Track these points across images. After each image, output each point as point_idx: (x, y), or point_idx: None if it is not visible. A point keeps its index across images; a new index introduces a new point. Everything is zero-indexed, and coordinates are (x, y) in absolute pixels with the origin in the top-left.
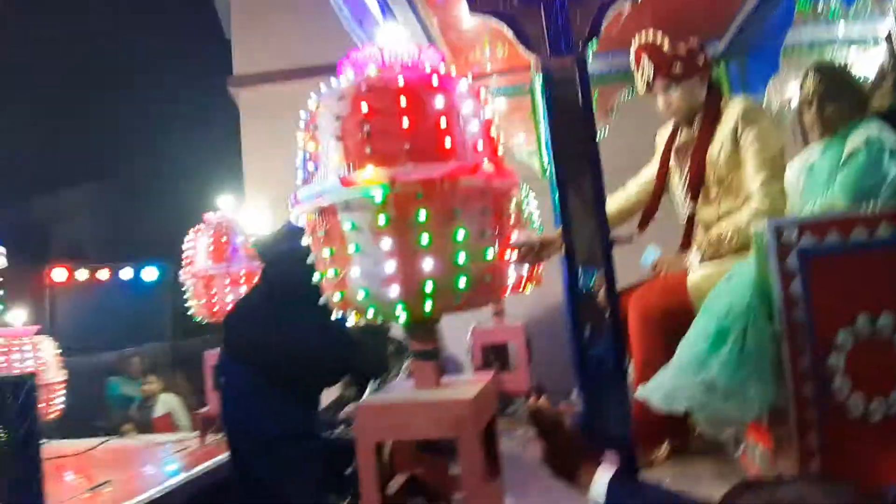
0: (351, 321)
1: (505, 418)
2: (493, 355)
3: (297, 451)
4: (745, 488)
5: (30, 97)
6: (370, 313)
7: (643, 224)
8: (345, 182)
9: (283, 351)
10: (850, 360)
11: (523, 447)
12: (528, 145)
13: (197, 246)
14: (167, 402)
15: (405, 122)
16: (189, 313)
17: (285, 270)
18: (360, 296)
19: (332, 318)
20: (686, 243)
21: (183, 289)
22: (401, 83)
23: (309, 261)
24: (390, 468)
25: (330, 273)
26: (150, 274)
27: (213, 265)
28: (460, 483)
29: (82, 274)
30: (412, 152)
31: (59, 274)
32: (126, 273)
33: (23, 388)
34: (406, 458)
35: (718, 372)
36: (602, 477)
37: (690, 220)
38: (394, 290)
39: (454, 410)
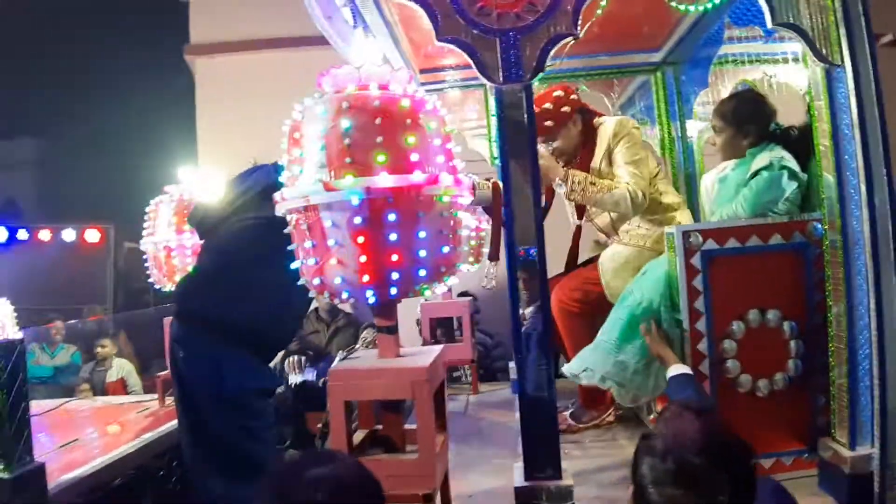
0: (324, 302)
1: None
2: (441, 328)
3: (261, 406)
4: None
5: None
6: (344, 296)
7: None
8: (327, 187)
9: (236, 316)
10: (742, 345)
11: (465, 409)
12: (479, 131)
13: (159, 216)
14: (122, 367)
15: (379, 139)
16: (136, 279)
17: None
18: (337, 281)
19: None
20: (574, 246)
21: (124, 253)
22: (377, 104)
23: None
24: (355, 424)
25: (310, 261)
26: (92, 236)
27: (175, 236)
28: (413, 437)
29: (23, 234)
30: (385, 164)
31: None
32: (69, 234)
33: (13, 352)
34: (368, 416)
35: (631, 355)
36: (677, 369)
37: (578, 228)
38: (365, 278)
39: (413, 376)
